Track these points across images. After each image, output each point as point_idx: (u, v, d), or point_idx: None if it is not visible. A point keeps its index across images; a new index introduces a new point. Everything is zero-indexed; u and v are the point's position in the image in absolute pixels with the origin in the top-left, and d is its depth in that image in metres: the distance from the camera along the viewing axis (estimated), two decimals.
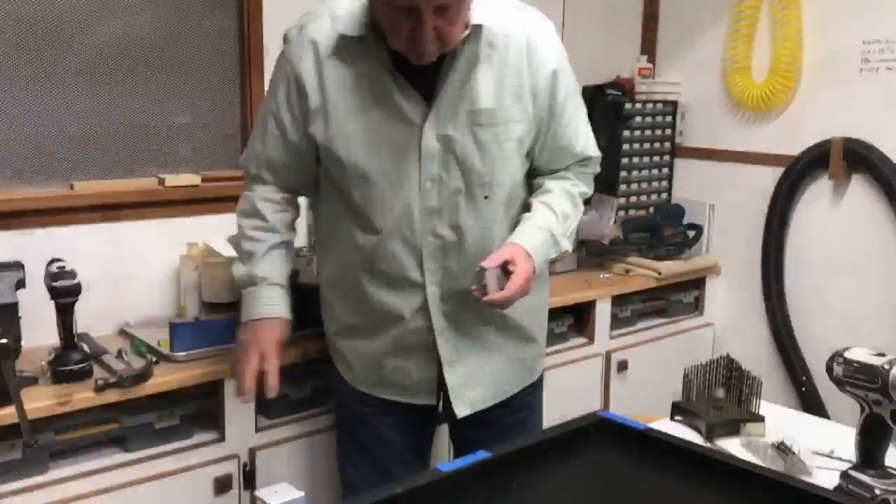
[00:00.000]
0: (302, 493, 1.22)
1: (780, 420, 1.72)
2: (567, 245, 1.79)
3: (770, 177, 3.18)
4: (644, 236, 3.25)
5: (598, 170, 1.94)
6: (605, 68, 3.43)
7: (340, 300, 1.87)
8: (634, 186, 3.43)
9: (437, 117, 1.64)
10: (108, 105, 2.34)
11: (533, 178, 1.85)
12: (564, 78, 1.75)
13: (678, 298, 3.32)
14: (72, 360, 1.91)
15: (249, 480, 2.12)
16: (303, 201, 1.97)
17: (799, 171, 3.08)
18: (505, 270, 1.63)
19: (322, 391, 2.27)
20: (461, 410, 1.83)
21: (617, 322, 3.08)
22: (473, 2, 1.59)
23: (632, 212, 3.43)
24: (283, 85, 1.72)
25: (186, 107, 2.48)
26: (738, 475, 1.35)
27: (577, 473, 1.42)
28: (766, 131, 3.22)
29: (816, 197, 3.11)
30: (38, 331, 2.05)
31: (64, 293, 1.86)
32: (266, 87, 2.53)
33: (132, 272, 2.36)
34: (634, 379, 3.04)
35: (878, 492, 1.32)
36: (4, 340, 1.63)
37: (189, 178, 2.42)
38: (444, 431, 2.11)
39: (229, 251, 2.36)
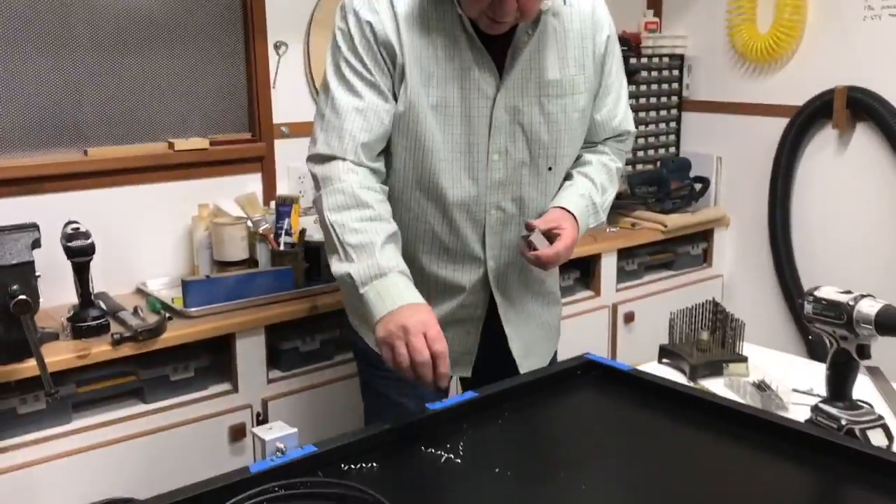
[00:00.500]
0: (295, 430, 1.30)
1: (765, 361, 1.78)
2: (603, 216, 1.78)
3: (777, 128, 3.20)
4: (651, 190, 3.28)
5: (631, 147, 1.90)
6: None
7: None
8: (642, 141, 3.46)
9: (508, 89, 1.59)
10: (119, 74, 2.42)
11: None
12: (615, 46, 1.72)
13: (686, 251, 3.36)
14: (89, 316, 2.02)
15: None
16: None
17: (803, 122, 3.09)
18: (548, 236, 1.61)
19: (331, 344, 2.37)
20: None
21: (623, 275, 3.13)
22: None
23: (639, 166, 3.46)
24: (366, 49, 1.56)
25: (194, 74, 2.55)
26: (716, 411, 1.42)
27: (562, 410, 1.50)
28: (772, 82, 3.23)
29: (821, 147, 3.12)
30: (59, 291, 2.17)
31: (79, 252, 1.97)
32: (272, 52, 2.64)
33: (146, 234, 2.46)
34: (641, 330, 3.10)
35: (844, 422, 1.38)
36: (23, 296, 1.74)
37: (198, 142, 2.51)
38: None
39: (238, 212, 2.46)
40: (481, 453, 1.31)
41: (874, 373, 1.71)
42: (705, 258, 3.45)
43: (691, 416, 1.42)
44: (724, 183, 3.46)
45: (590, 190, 1.71)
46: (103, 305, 2.12)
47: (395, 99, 1.58)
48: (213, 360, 2.22)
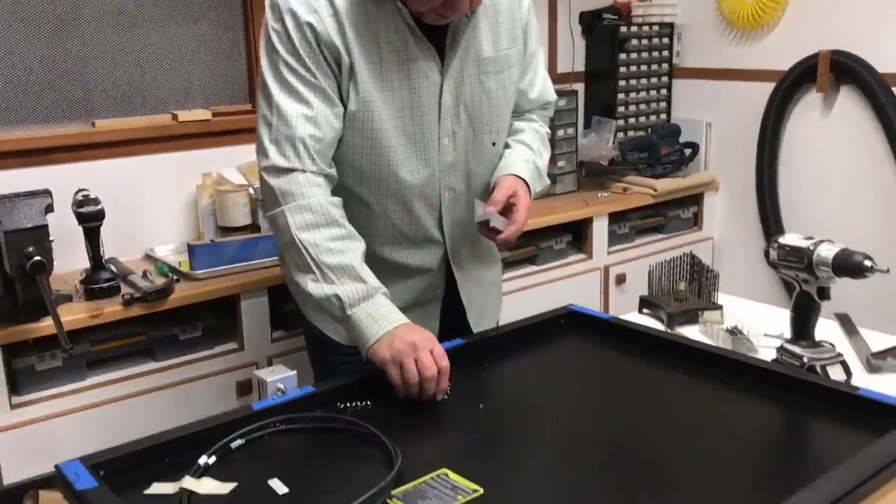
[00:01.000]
0: (294, 372, 1.40)
1: (740, 309, 1.88)
2: (547, 179, 1.82)
3: (764, 93, 3.28)
4: (642, 156, 3.37)
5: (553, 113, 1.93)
6: None
7: None
8: (633, 108, 3.54)
9: (450, 73, 1.59)
10: (125, 49, 2.52)
11: None
12: (533, 15, 1.73)
13: (676, 214, 3.46)
14: (101, 278, 2.13)
15: None
16: None
17: (788, 86, 3.17)
18: (504, 207, 1.62)
19: None
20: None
21: (615, 238, 3.23)
22: None
23: (631, 133, 3.54)
24: (308, 51, 1.50)
25: (197, 48, 2.65)
26: (688, 353, 1.52)
27: (545, 355, 1.60)
28: (759, 48, 3.31)
29: (806, 111, 3.21)
30: (72, 257, 2.29)
31: (89, 218, 2.08)
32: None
33: (153, 202, 2.57)
34: (633, 290, 3.19)
35: (805, 360, 1.48)
36: (38, 258, 1.84)
37: (200, 114, 2.60)
38: None
39: (240, 179, 2.56)
40: (467, 392, 1.41)
41: (843, 319, 1.81)
42: (696, 221, 3.54)
43: (665, 359, 1.52)
44: (713, 148, 3.55)
45: (530, 155, 1.73)
46: (114, 269, 2.23)
47: (343, 100, 1.54)
48: (220, 320, 2.33)
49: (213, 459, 1.17)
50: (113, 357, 2.19)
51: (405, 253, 1.69)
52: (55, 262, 2.01)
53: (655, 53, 3.55)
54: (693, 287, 1.88)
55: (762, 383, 1.39)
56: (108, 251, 2.27)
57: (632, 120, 3.55)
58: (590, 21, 3.51)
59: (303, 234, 1.48)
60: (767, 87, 3.26)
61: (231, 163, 2.61)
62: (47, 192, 1.99)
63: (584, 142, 3.39)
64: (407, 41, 1.54)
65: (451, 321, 1.77)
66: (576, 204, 3.14)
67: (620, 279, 3.19)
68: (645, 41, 3.51)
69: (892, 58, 2.93)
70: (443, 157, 1.63)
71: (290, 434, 1.27)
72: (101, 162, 2.46)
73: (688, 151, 3.44)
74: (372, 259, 1.59)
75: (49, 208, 1.95)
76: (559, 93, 3.27)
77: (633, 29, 3.48)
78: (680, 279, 1.88)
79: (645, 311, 1.90)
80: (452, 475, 1.12)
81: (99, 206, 2.10)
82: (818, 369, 1.46)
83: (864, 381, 1.50)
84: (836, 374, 1.47)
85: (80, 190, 2.18)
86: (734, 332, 1.69)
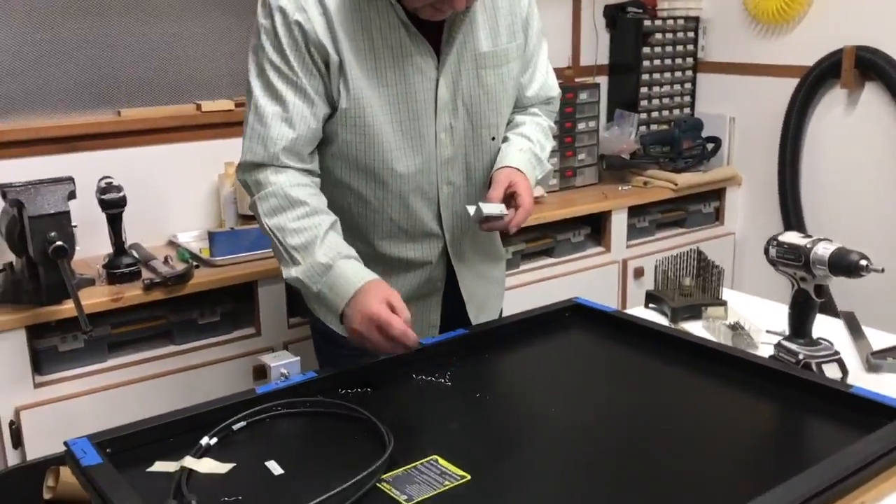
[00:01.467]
0: (297, 358, 1.45)
1: (746, 306, 1.89)
2: (548, 166, 1.83)
3: (788, 88, 3.26)
4: (663, 150, 3.37)
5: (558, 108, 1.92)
6: None
7: None
8: (656, 102, 3.54)
9: (447, 68, 1.59)
10: (150, 39, 2.58)
11: None
12: (535, 10, 1.72)
13: (698, 209, 3.45)
14: (123, 263, 2.20)
15: None
16: None
17: (812, 82, 3.15)
18: (505, 196, 1.63)
19: None
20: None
21: (634, 232, 3.24)
22: None
23: (654, 127, 3.54)
24: (294, 50, 1.51)
25: (220, 38, 2.70)
26: (688, 348, 1.54)
27: (547, 347, 1.62)
28: (783, 43, 3.29)
29: (830, 106, 3.18)
30: (95, 243, 2.36)
31: (112, 204, 2.15)
32: None
33: (176, 190, 2.63)
34: (651, 285, 3.18)
35: (801, 357, 1.49)
36: (60, 243, 1.91)
37: (224, 104, 2.66)
38: None
39: None
40: (467, 381, 1.44)
41: (848, 317, 1.81)
42: (717, 216, 3.53)
43: (666, 353, 1.54)
44: (736, 143, 3.53)
45: (528, 145, 1.74)
46: (136, 254, 2.30)
47: (330, 99, 1.55)
48: (238, 306, 2.39)
49: (214, 440, 1.22)
50: (133, 340, 2.26)
51: (404, 247, 1.70)
52: (79, 247, 2.09)
53: (680, 47, 3.54)
54: (699, 282, 1.89)
55: (758, 379, 1.41)
56: (133, 237, 2.34)
57: (654, 114, 3.55)
58: (614, 14, 3.51)
59: (270, 220, 1.51)
60: (791, 83, 3.24)
61: None
62: (70, 180, 2.05)
63: (606, 135, 3.40)
64: (401, 37, 1.55)
65: (452, 314, 1.80)
66: (595, 197, 3.16)
67: (639, 273, 3.20)
68: (669, 35, 3.50)
69: None
70: (440, 152, 1.64)
71: (289, 418, 1.32)
72: (127, 150, 2.53)
73: (710, 146, 3.43)
74: (371, 253, 1.64)
75: (72, 195, 2.02)
76: (581, 85, 3.32)
77: (658, 23, 3.47)
78: (686, 274, 1.90)
79: (651, 305, 1.92)
80: (442, 461, 1.16)
81: (121, 194, 2.17)
82: (813, 366, 1.47)
83: (863, 380, 1.51)
84: (832, 372, 1.48)
85: (104, 177, 2.24)
86: (735, 327, 1.71)
